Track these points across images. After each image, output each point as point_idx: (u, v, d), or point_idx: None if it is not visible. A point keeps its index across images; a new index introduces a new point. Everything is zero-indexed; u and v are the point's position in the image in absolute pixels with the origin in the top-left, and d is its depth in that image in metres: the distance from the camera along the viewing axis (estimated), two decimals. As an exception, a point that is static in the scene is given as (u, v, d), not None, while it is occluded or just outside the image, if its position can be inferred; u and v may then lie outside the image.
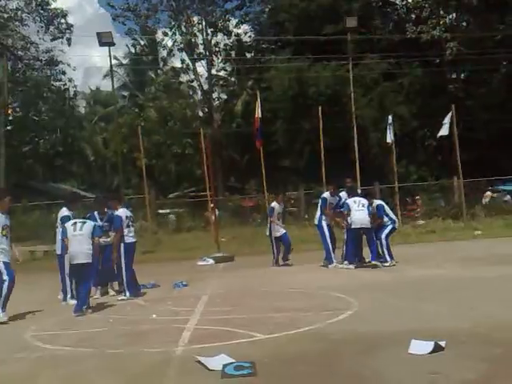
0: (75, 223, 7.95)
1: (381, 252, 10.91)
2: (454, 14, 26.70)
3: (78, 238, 7.80)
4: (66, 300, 8.78)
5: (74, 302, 8.42)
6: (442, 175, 23.97)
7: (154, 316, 7.15)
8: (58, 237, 8.98)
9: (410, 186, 23.00)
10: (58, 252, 9.05)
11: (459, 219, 19.24)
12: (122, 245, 8.94)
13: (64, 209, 9.01)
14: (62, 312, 7.95)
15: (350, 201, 11.00)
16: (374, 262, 10.87)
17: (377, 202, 11.35)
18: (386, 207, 11.39)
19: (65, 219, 8.60)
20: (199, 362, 4.70)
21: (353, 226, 10.86)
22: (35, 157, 31.53)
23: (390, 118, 19.19)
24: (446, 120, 18.49)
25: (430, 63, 25.91)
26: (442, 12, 25.96)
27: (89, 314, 7.62)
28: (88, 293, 7.95)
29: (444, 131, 18.66)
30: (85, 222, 7.98)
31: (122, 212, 9.10)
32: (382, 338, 5.28)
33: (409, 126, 24.70)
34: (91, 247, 7.81)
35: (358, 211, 10.81)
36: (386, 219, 11.09)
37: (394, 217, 11.40)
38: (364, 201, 10.97)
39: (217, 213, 23.59)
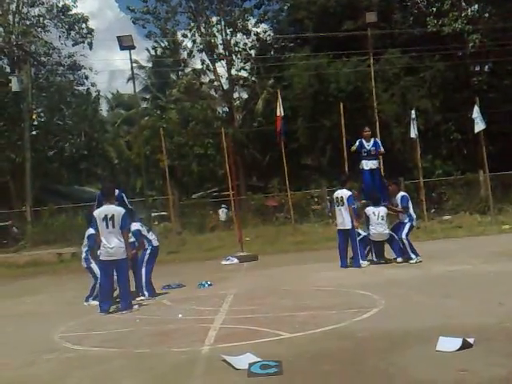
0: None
1: (404, 250, 10.78)
2: (476, 6, 26.24)
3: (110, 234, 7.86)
4: (88, 300, 8.90)
5: (95, 303, 8.53)
6: (467, 169, 23.62)
7: (180, 316, 7.20)
8: (84, 253, 9.12)
9: (435, 180, 22.69)
10: (85, 265, 9.17)
11: (486, 214, 18.93)
12: (150, 248, 9.07)
13: (91, 229, 9.11)
14: (90, 313, 8.05)
15: (369, 211, 10.88)
16: (399, 260, 10.78)
17: (401, 193, 11.18)
18: (409, 202, 11.18)
19: (91, 237, 8.82)
20: (225, 361, 4.72)
21: (371, 238, 10.82)
22: (60, 160, 31.95)
23: (413, 112, 18.95)
24: (475, 114, 18.07)
25: (453, 56, 25.52)
26: (463, 4, 25.55)
27: (115, 315, 7.72)
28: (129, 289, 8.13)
29: (480, 125, 18.13)
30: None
31: (136, 225, 9.08)
32: (409, 336, 5.22)
33: (432, 120, 24.37)
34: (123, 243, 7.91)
35: (378, 224, 10.73)
36: (405, 216, 10.86)
37: (413, 213, 11.11)
38: (383, 212, 10.82)
39: (224, 212, 23.76)
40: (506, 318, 5.54)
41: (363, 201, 11.46)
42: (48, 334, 6.65)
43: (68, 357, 5.55)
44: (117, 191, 9.41)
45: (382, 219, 10.77)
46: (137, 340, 6.05)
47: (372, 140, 12.13)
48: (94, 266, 8.85)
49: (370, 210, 10.88)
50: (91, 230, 8.87)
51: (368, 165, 11.89)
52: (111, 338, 6.23)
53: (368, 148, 11.90)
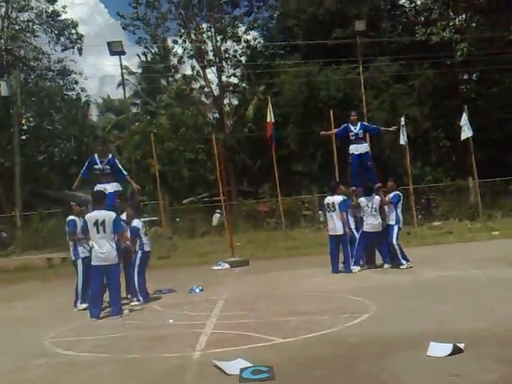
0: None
1: (394, 256, 10.79)
2: (464, 16, 26.55)
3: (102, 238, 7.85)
4: (76, 305, 8.84)
5: (84, 305, 8.48)
6: (457, 176, 23.79)
7: (171, 321, 7.17)
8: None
9: (424, 187, 22.82)
10: (73, 258, 9.10)
11: (476, 220, 19.07)
12: (140, 252, 9.00)
13: (71, 216, 9.23)
14: (80, 318, 7.99)
15: (363, 203, 10.92)
16: (386, 266, 10.81)
17: (396, 192, 11.07)
18: (400, 203, 11.08)
19: (70, 222, 9.06)
20: (216, 366, 4.71)
21: (364, 229, 10.84)
22: (50, 165, 31.76)
23: (402, 119, 19.07)
24: (463, 122, 18.15)
25: (441, 64, 25.78)
26: (451, 14, 25.86)
27: (105, 320, 7.67)
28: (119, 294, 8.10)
29: (467, 133, 18.14)
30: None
31: (138, 222, 9.11)
32: (400, 341, 5.25)
33: (421, 127, 24.57)
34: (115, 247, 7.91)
35: (372, 216, 10.79)
36: (392, 216, 10.85)
37: (400, 214, 11.04)
38: (376, 203, 10.85)
39: (217, 217, 23.76)
40: (497, 324, 5.58)
41: (352, 188, 11.39)
42: (38, 339, 6.61)
43: (59, 362, 5.51)
44: (110, 155, 9.85)
45: (375, 211, 10.81)
46: (127, 345, 6.02)
47: (359, 123, 11.95)
48: (79, 262, 8.76)
49: (363, 201, 10.92)
50: (71, 217, 8.90)
51: (358, 149, 11.67)
52: (102, 344, 6.19)
53: (355, 131, 11.71)
